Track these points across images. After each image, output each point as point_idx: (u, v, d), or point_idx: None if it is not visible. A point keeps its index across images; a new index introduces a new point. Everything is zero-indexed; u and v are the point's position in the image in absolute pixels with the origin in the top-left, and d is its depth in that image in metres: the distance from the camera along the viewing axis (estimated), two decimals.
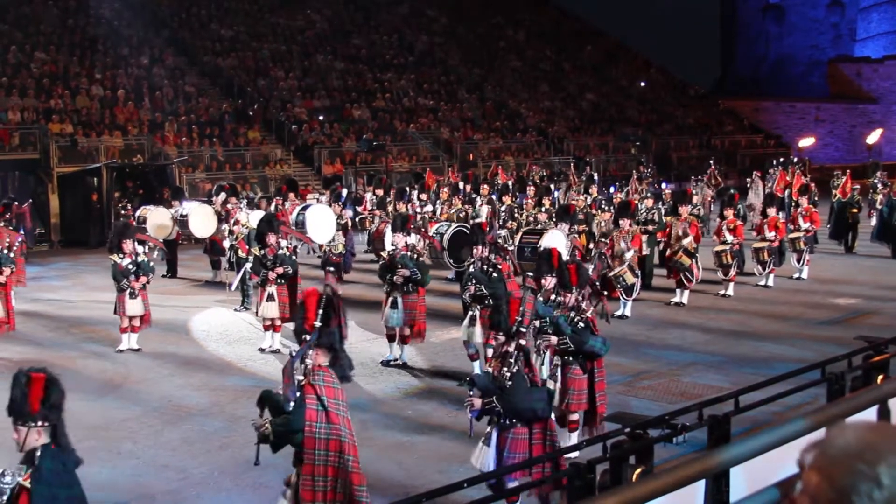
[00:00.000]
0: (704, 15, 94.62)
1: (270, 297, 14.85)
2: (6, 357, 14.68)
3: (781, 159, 42.32)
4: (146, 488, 9.32)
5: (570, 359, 9.66)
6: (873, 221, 26.32)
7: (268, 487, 8.74)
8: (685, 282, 18.30)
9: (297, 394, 6.62)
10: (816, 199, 22.95)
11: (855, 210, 25.90)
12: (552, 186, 26.87)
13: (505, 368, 7.60)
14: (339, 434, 6.59)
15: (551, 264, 10.10)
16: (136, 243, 15.22)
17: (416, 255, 14.13)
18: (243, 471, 9.40)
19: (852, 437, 2.27)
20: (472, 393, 7.72)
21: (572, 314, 9.66)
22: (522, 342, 7.78)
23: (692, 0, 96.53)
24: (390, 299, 13.73)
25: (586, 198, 24.47)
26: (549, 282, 10.11)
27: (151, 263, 15.52)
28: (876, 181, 29.27)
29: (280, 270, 14.84)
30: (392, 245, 14.22)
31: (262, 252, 15.07)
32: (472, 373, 11.45)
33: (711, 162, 37.86)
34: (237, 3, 52.15)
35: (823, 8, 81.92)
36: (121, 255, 14.81)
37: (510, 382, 7.51)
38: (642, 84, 60.68)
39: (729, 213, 19.61)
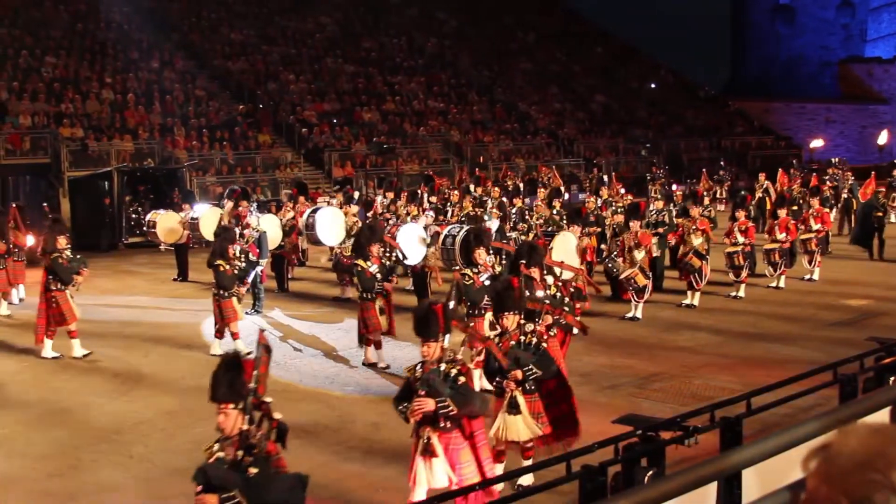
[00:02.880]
0: (714, 16, 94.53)
1: (382, 311, 14.12)
2: (17, 360, 14.76)
3: (794, 161, 42.26)
4: (158, 492, 9.33)
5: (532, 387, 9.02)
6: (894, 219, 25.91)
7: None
8: (694, 284, 18.28)
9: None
10: (833, 201, 22.75)
11: (880, 214, 24.55)
12: (562, 188, 26.86)
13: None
14: None
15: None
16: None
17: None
18: None
19: (858, 444, 2.25)
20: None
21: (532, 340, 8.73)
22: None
23: (702, 1, 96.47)
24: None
25: (597, 199, 24.45)
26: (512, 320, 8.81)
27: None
28: (893, 181, 29.15)
29: (396, 281, 14.37)
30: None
31: (369, 264, 14.03)
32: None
33: (722, 163, 37.86)
34: (247, 7, 52.22)
35: (834, 9, 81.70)
36: (227, 261, 14.77)
37: None
38: (652, 86, 60.56)
39: (740, 214, 19.56)
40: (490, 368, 8.77)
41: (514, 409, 8.52)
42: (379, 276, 13.93)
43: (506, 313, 8.74)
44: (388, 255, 15.11)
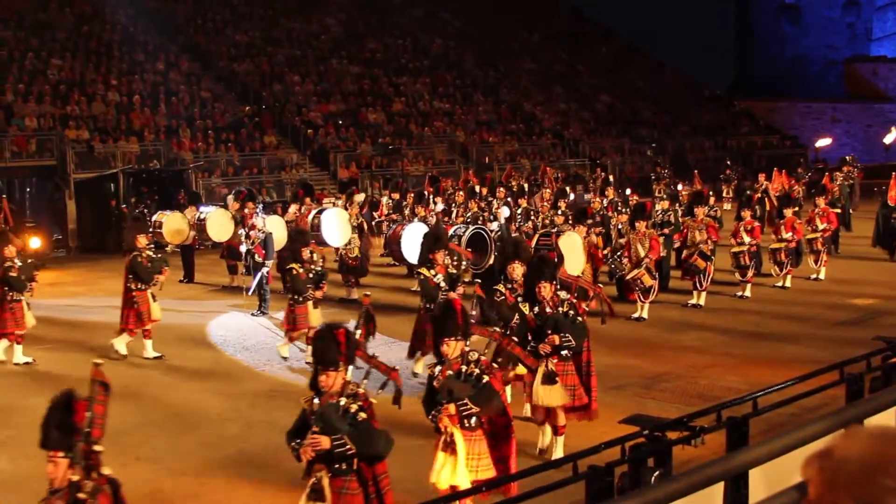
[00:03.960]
0: (719, 15, 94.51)
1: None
2: (25, 362, 14.79)
3: (801, 160, 42.11)
4: (163, 493, 9.34)
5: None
6: None
7: (285, 492, 8.74)
8: (698, 285, 18.27)
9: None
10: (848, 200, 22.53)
11: None
12: (567, 189, 26.86)
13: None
14: None
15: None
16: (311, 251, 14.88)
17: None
18: (261, 475, 9.41)
19: (867, 449, 2.23)
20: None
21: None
22: None
23: (707, 1, 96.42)
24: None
25: (602, 200, 24.44)
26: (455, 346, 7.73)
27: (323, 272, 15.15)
28: None
29: (461, 291, 13.16)
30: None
31: (433, 273, 13.07)
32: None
33: (729, 163, 37.74)
34: (252, 9, 52.25)
35: (839, 7, 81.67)
36: (301, 265, 14.54)
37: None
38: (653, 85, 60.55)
39: (746, 214, 19.54)
40: (425, 398, 7.85)
41: (448, 447, 7.51)
42: (444, 285, 12.98)
43: (447, 339, 7.65)
44: (455, 263, 14.01)
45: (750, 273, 19.11)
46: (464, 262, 15.98)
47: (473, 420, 7.56)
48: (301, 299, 14.47)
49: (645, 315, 17.13)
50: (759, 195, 27.44)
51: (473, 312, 9.47)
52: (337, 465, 6.55)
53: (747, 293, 19.08)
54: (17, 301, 14.77)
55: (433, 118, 46.38)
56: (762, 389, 6.93)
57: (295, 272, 14.41)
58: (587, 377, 10.22)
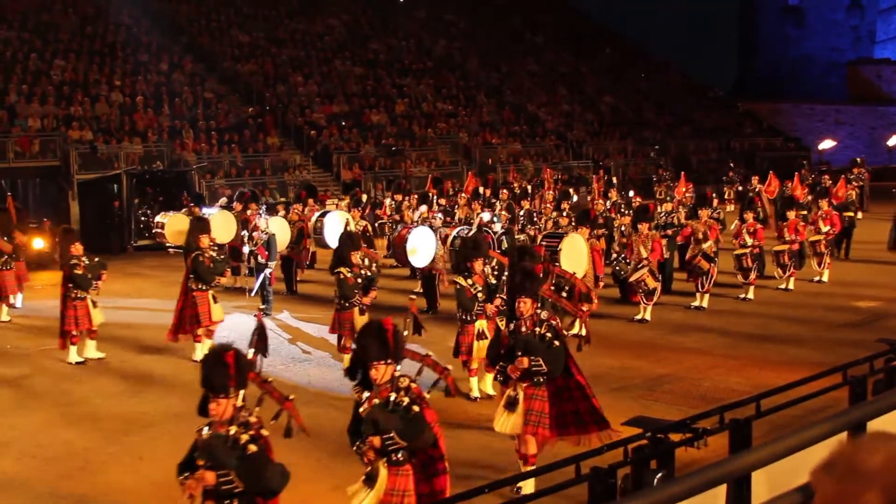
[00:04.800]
0: (723, 17, 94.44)
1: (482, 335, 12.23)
2: (27, 363, 14.80)
3: (805, 162, 42.04)
4: (168, 494, 9.34)
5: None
6: None
7: (286, 491, 8.73)
8: (701, 286, 18.26)
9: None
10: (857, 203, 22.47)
11: None
12: (570, 190, 26.86)
13: None
14: None
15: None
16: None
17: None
18: None
19: (888, 454, 2.22)
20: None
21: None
22: None
23: (711, 2, 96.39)
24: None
25: (606, 202, 24.44)
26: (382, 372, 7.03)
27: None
28: None
29: (499, 303, 11.99)
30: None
31: (470, 281, 12.29)
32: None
33: (732, 164, 37.68)
34: (256, 9, 52.28)
35: (843, 10, 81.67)
36: (350, 270, 13.70)
37: None
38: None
39: (749, 216, 19.53)
40: (349, 427, 7.31)
41: (370, 481, 7.02)
42: (481, 295, 12.20)
43: (375, 363, 6.91)
44: (494, 272, 13.00)
45: (752, 275, 19.09)
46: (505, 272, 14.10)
47: (401, 454, 6.90)
48: (347, 304, 13.78)
49: (647, 317, 17.13)
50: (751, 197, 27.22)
51: (405, 333, 7.89)
52: (393, 458, 6.69)
53: (750, 295, 19.07)
54: (81, 299, 14.72)
55: (436, 119, 46.39)
56: (765, 391, 6.92)
57: (343, 276, 13.67)
58: (585, 400, 9.32)
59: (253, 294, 18.91)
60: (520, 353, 8.90)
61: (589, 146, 48.40)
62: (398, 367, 7.04)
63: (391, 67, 50.58)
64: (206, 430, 6.23)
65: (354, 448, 7.05)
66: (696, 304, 18.28)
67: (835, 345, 14.64)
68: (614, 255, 19.86)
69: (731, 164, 43.35)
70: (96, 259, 15.62)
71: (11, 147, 33.37)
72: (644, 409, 11.08)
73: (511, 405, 9.02)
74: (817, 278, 20.88)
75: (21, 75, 38.33)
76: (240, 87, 44.45)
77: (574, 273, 14.00)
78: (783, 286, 20.03)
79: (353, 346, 7.70)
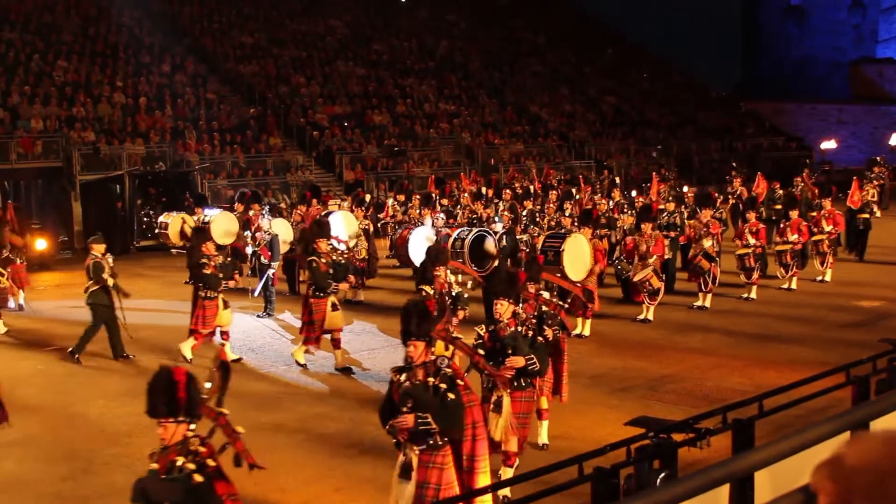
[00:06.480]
0: (725, 17, 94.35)
1: None
2: (29, 365, 14.81)
3: (807, 161, 41.98)
4: None
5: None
6: None
7: (290, 492, 8.75)
8: (704, 286, 18.26)
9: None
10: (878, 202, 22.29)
11: None
12: (573, 190, 26.84)
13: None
14: None
15: None
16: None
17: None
18: (267, 477, 9.40)
19: (880, 456, 2.21)
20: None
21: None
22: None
23: (713, 2, 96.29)
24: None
25: (608, 201, 24.42)
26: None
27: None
28: None
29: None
30: None
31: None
32: None
33: (734, 164, 37.60)
34: (258, 10, 52.28)
35: (845, 9, 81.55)
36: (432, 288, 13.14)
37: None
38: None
39: (751, 216, 19.53)
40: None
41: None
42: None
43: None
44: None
45: (755, 275, 19.10)
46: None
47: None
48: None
49: (650, 317, 17.13)
50: (735, 200, 26.98)
51: (208, 385, 7.28)
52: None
53: (753, 295, 19.07)
54: (212, 299, 14.74)
55: (439, 120, 46.37)
56: (768, 391, 6.91)
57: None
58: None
59: (255, 294, 18.92)
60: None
61: (591, 146, 48.36)
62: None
63: (393, 68, 50.57)
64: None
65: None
66: (699, 303, 18.29)
67: (837, 344, 14.64)
68: (615, 256, 19.85)
69: (734, 164, 43.30)
70: (229, 259, 15.64)
71: (14, 148, 33.37)
72: (647, 409, 11.08)
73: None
74: (820, 278, 20.88)
75: (24, 76, 38.34)
76: (242, 87, 44.45)
77: (574, 282, 14.03)
78: (786, 286, 20.04)
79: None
